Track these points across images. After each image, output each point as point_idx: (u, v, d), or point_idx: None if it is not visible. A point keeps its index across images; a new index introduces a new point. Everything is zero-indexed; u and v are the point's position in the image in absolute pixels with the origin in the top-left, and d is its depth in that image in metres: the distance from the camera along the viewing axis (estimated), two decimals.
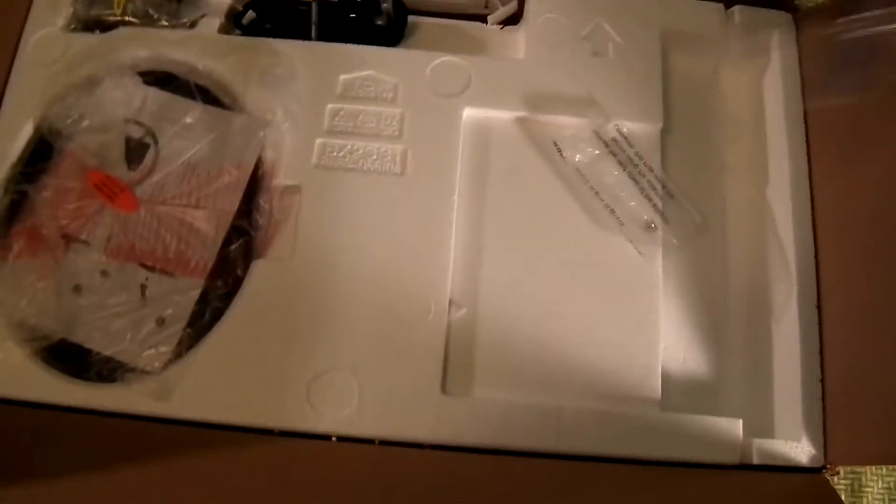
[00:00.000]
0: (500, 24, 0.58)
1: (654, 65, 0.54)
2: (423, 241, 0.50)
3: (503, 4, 0.58)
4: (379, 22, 0.54)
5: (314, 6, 0.55)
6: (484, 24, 0.58)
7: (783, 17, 0.57)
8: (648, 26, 0.55)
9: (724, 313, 0.52)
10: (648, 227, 0.51)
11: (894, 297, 0.44)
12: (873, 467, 0.54)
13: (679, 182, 0.52)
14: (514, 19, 0.58)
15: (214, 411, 0.46)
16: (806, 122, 0.54)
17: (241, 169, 0.51)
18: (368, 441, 0.46)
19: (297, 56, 0.53)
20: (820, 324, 0.49)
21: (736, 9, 0.56)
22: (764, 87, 0.56)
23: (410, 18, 0.57)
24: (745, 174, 0.55)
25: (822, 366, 0.48)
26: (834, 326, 0.49)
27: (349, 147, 0.52)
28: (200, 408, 0.46)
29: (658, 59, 0.54)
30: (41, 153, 0.52)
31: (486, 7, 0.58)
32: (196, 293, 0.49)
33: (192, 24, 0.55)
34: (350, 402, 0.46)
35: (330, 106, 0.53)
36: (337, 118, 0.52)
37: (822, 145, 0.53)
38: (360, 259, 0.49)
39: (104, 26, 0.56)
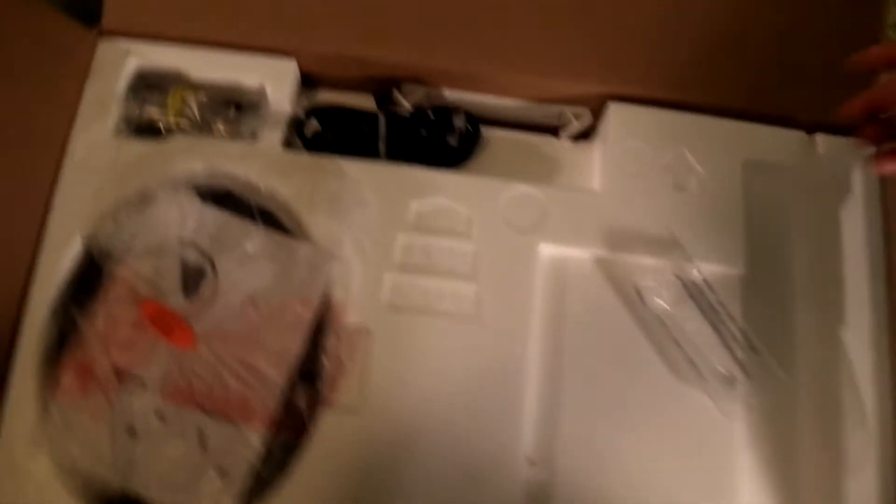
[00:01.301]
0: (572, 138, 0.56)
1: (737, 202, 0.53)
2: (497, 392, 0.49)
3: (576, 119, 0.55)
4: (451, 141, 0.52)
5: (382, 118, 0.52)
6: (555, 138, 0.56)
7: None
8: (730, 155, 0.53)
9: (799, 466, 0.51)
10: (729, 382, 0.49)
11: None
12: None
13: (758, 327, 0.51)
14: (585, 133, 0.56)
15: None
16: (888, 260, 0.52)
17: (306, 306, 0.49)
18: None
19: (367, 179, 0.51)
20: None
21: (819, 137, 0.54)
22: (844, 219, 0.54)
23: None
24: (823, 317, 0.54)
25: None
26: None
27: (422, 286, 0.50)
28: None
29: (740, 196, 0.53)
30: (90, 276, 0.50)
31: (559, 119, 0.56)
32: (259, 443, 0.48)
33: (253, 135, 0.52)
34: None
35: (401, 237, 0.50)
36: (408, 252, 0.50)
37: None
38: (431, 410, 0.48)
39: (157, 131, 0.52)
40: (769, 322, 0.52)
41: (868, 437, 0.50)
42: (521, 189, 0.52)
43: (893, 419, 0.50)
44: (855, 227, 0.54)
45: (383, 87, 0.55)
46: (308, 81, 0.56)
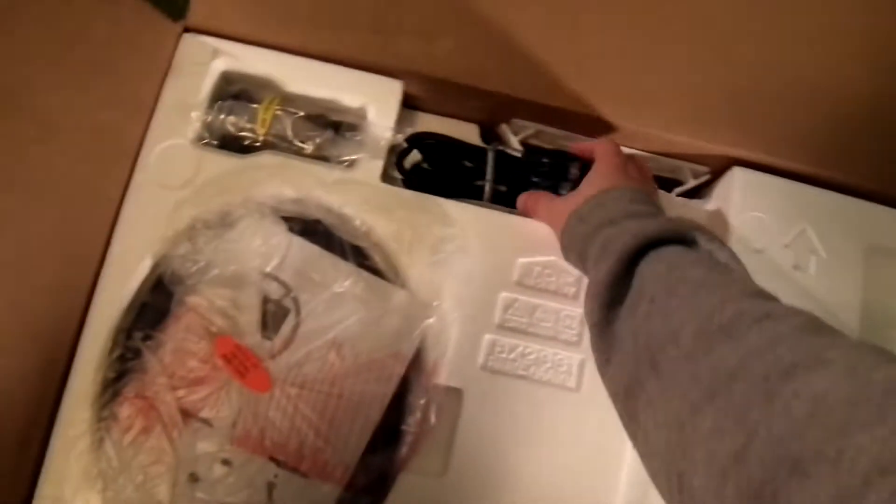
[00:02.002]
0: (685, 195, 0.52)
1: (856, 289, 0.50)
2: (592, 471, 0.46)
3: (694, 177, 0.52)
4: (564, 191, 0.48)
5: (491, 155, 0.48)
6: (668, 194, 0.52)
7: None
8: (855, 238, 0.50)
9: None
10: None
11: None
12: None
13: None
14: (696, 188, 0.52)
15: None
16: None
17: (397, 360, 0.45)
18: None
19: (473, 226, 0.47)
20: None
21: None
22: None
23: None
24: None
25: None
26: None
27: (521, 349, 0.46)
28: None
29: (860, 283, 0.50)
30: (158, 302, 0.45)
31: (674, 174, 0.52)
32: (332, 502, 0.44)
33: (351, 164, 0.48)
34: None
35: (504, 295, 0.47)
36: (510, 311, 0.47)
37: None
38: (519, 484, 0.45)
39: (243, 145, 0.47)
40: None
41: None
42: None
43: None
44: None
45: (491, 120, 0.51)
46: (409, 104, 0.51)
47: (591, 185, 0.45)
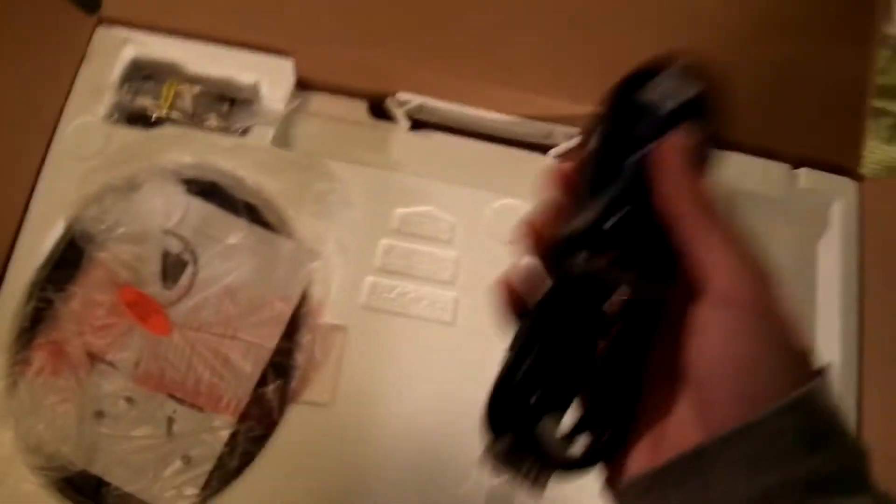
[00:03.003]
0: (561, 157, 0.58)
1: None
2: (467, 398, 0.50)
3: (567, 139, 0.58)
4: None
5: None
6: (543, 156, 0.58)
7: (847, 183, 0.58)
8: (715, 183, 0.56)
9: None
10: None
11: None
12: None
13: None
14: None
15: None
16: (861, 294, 0.55)
17: (285, 302, 0.51)
18: None
19: (354, 182, 0.53)
20: None
21: (802, 171, 0.57)
22: (820, 252, 0.58)
23: (468, 142, 0.59)
24: None
25: None
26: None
27: (400, 289, 0.52)
28: None
29: None
30: (70, 258, 0.52)
31: (548, 138, 0.59)
32: (227, 433, 0.49)
33: (244, 132, 0.54)
34: None
35: (384, 241, 0.53)
36: (390, 255, 0.52)
37: (876, 317, 0.54)
38: (400, 411, 0.50)
39: (148, 121, 0.54)
40: None
41: None
42: (508, 202, 0.54)
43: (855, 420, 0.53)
44: (832, 258, 0.57)
45: (378, 95, 0.58)
46: (305, 86, 0.58)
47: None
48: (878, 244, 0.57)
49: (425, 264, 0.53)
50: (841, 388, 0.54)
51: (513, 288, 0.31)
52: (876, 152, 0.63)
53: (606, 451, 0.29)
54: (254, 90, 0.56)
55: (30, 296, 0.51)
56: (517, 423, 0.29)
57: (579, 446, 0.30)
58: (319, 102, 0.59)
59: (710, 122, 0.30)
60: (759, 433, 0.24)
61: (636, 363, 0.30)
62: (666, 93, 0.30)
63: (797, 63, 0.58)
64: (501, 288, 0.31)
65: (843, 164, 0.59)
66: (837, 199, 0.58)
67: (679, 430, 0.27)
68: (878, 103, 0.64)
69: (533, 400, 0.30)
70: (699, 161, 0.29)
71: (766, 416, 0.24)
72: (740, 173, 0.57)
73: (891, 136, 0.64)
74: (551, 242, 0.30)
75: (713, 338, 0.26)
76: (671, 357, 0.28)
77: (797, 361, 0.26)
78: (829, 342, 0.54)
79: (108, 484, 0.49)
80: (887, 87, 0.64)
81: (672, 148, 0.28)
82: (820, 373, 0.26)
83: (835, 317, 0.55)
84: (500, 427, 0.30)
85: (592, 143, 0.30)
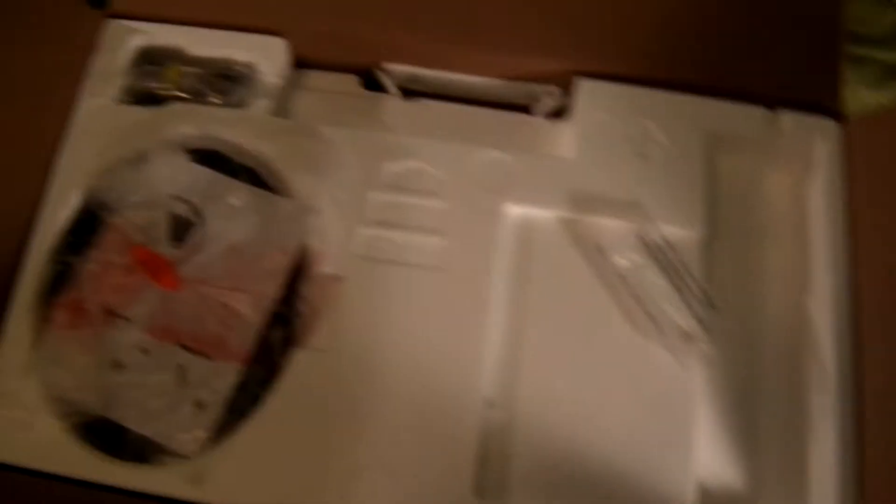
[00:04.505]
0: (548, 116, 0.64)
1: (699, 170, 0.59)
2: (459, 338, 0.55)
3: (548, 96, 0.63)
4: None
5: None
6: (529, 116, 0.64)
7: (829, 123, 0.62)
8: (693, 128, 0.61)
9: (760, 428, 0.57)
10: (688, 338, 0.56)
11: None
12: None
13: (721, 290, 0.57)
14: (560, 112, 0.64)
15: (248, 499, 0.52)
16: (850, 231, 0.58)
17: (284, 254, 0.57)
18: None
19: (345, 143, 0.59)
20: (862, 440, 0.54)
21: (781, 113, 0.62)
22: (808, 193, 0.61)
23: (456, 106, 0.64)
24: (787, 282, 0.60)
25: (861, 483, 0.53)
26: (877, 443, 0.54)
27: (391, 238, 0.57)
28: (234, 495, 0.52)
29: (702, 165, 0.60)
30: (88, 225, 0.58)
31: (530, 97, 0.64)
32: (234, 378, 0.55)
33: (242, 104, 0.61)
34: (382, 500, 0.51)
35: (374, 195, 0.58)
36: (382, 208, 0.58)
37: (869, 255, 0.58)
38: (397, 353, 0.55)
39: (156, 100, 0.61)
40: (732, 280, 0.59)
41: (829, 395, 0.55)
42: (493, 153, 0.60)
43: (853, 380, 0.56)
44: (818, 198, 0.60)
45: (369, 69, 0.64)
46: (300, 65, 0.65)
47: None
48: (866, 183, 0.61)
49: (415, 215, 0.58)
50: (836, 317, 0.57)
51: None
52: (862, 97, 0.67)
53: None
54: (250, 68, 0.63)
55: (51, 261, 0.58)
56: None
57: None
58: (314, 78, 0.65)
59: None
60: None
61: None
62: None
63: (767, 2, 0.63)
64: None
65: (822, 103, 0.62)
66: (819, 139, 0.61)
67: None
68: (861, 51, 0.68)
69: None
70: None
71: None
72: (718, 118, 0.61)
73: (876, 81, 0.68)
74: None
75: None
76: None
77: None
78: (822, 286, 0.58)
79: (125, 428, 0.54)
80: (871, 35, 0.68)
81: None
82: None
83: (828, 263, 0.59)
84: None
85: None
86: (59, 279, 0.57)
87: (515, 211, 0.58)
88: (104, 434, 0.54)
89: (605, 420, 0.55)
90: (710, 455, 0.56)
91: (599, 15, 0.62)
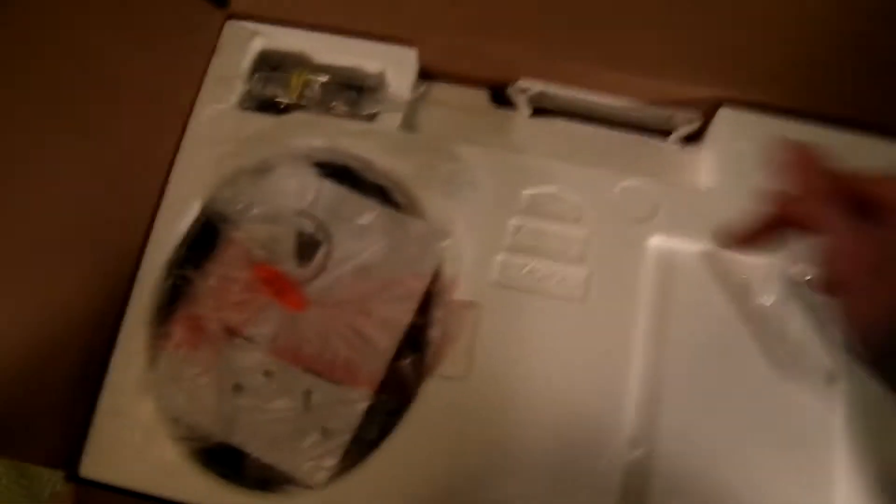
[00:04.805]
0: (681, 141, 0.61)
1: None
2: (601, 374, 0.53)
3: (687, 122, 0.61)
4: None
5: None
6: (664, 140, 0.62)
7: None
8: (839, 164, 0.58)
9: None
10: (830, 378, 0.54)
11: None
12: None
13: None
14: (694, 136, 0.62)
15: None
16: None
17: (418, 279, 0.54)
18: None
19: (481, 164, 0.57)
20: None
21: None
22: None
23: (586, 127, 0.62)
24: None
25: None
26: None
27: (530, 267, 0.55)
28: None
29: None
30: (206, 238, 0.56)
31: (669, 122, 0.62)
32: (364, 406, 0.52)
33: (371, 118, 0.58)
34: None
35: (512, 221, 0.56)
36: (519, 234, 0.56)
37: None
38: (535, 386, 0.52)
39: (278, 108, 0.59)
40: None
41: None
42: (636, 182, 0.57)
43: None
44: None
45: (500, 84, 0.62)
46: (428, 76, 0.63)
47: None
48: None
49: (554, 243, 0.56)
50: None
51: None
52: None
53: None
54: (379, 78, 0.60)
55: (168, 274, 0.55)
56: None
57: None
58: (442, 91, 0.63)
59: None
60: None
61: None
62: None
63: None
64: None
65: None
66: None
67: None
68: None
69: None
70: None
71: None
72: (862, 152, 0.59)
73: None
74: None
75: None
76: None
77: None
78: None
79: (247, 455, 0.51)
80: None
81: None
82: None
83: None
84: None
85: None
86: (176, 294, 0.55)
87: (657, 242, 0.56)
88: (225, 459, 0.52)
89: (745, 459, 0.53)
90: (850, 497, 0.53)
91: (751, 42, 0.60)
